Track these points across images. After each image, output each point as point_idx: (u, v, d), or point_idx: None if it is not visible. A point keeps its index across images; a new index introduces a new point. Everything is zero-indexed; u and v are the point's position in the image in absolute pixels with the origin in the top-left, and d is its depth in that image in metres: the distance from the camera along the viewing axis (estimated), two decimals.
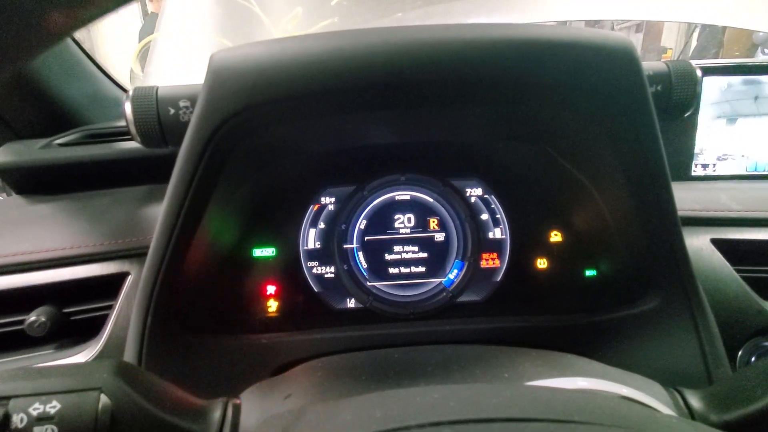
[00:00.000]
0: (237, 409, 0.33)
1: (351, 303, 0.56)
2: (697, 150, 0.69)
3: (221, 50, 0.36)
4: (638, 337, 0.45)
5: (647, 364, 0.42)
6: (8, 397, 0.26)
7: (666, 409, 0.30)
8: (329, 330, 0.49)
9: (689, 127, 0.67)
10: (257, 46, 0.36)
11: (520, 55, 0.35)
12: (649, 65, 0.46)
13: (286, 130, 0.43)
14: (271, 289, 0.56)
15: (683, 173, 0.69)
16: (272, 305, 0.56)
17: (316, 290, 0.56)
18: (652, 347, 0.44)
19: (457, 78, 0.36)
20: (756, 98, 0.68)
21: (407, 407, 0.21)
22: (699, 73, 0.47)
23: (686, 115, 0.48)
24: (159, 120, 0.43)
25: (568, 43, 0.35)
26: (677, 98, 0.46)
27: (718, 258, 0.55)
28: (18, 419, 0.25)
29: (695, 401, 0.32)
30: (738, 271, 0.55)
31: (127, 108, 0.44)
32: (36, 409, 0.26)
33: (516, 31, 0.36)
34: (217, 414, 0.32)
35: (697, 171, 0.70)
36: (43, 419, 0.26)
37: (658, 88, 0.46)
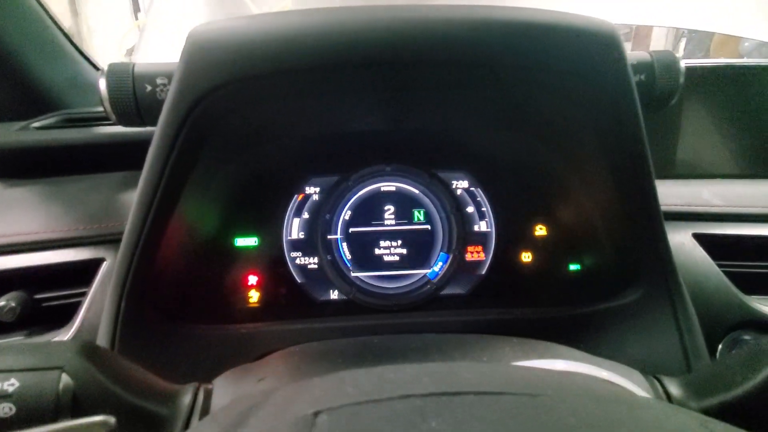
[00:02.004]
0: (208, 394, 0.32)
1: (334, 294, 0.55)
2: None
3: (200, 25, 0.35)
4: (620, 329, 0.45)
5: (628, 355, 0.42)
6: None
7: (644, 394, 0.29)
8: (311, 321, 0.48)
9: (673, 125, 0.68)
10: (238, 21, 0.35)
11: (504, 36, 0.35)
12: (633, 55, 0.46)
13: (268, 111, 0.42)
14: (252, 279, 0.55)
15: (667, 171, 0.69)
16: (254, 296, 0.55)
17: (298, 281, 0.55)
18: (633, 339, 0.45)
19: (443, 58, 0.35)
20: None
21: (380, 383, 0.20)
22: (682, 64, 0.47)
23: (669, 105, 0.48)
24: (135, 97, 0.42)
25: (552, 25, 0.35)
26: (660, 88, 0.46)
27: (699, 252, 0.56)
28: None
29: (674, 388, 0.31)
30: (719, 265, 0.55)
31: (102, 84, 0.42)
32: None
33: (500, 13, 0.35)
34: (187, 398, 0.31)
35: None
36: (0, 397, 0.25)
37: (642, 77, 0.46)
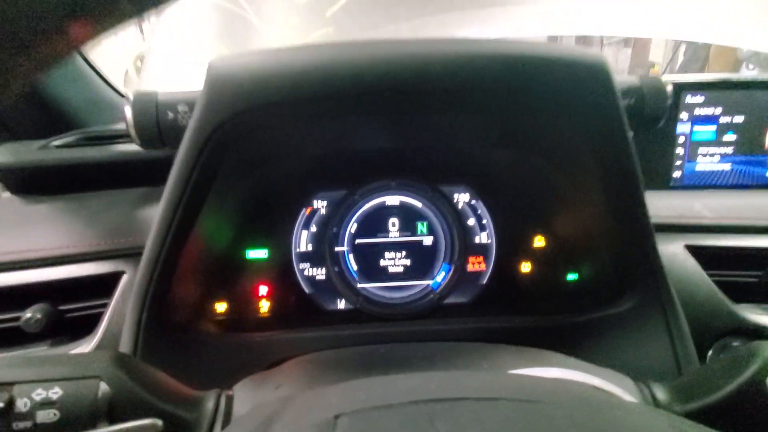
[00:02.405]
0: (230, 400, 0.34)
1: (341, 304, 0.58)
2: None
3: (219, 58, 0.38)
4: (615, 336, 0.48)
5: (622, 361, 0.44)
6: (13, 383, 0.27)
7: (631, 399, 0.32)
8: (320, 329, 0.50)
9: (668, 138, 0.70)
10: (254, 55, 0.38)
11: (501, 69, 0.38)
12: (623, 80, 0.49)
13: (281, 134, 0.45)
14: (263, 289, 0.57)
15: (662, 182, 0.72)
16: (264, 306, 0.57)
17: (307, 291, 0.57)
18: (627, 346, 0.47)
19: (443, 87, 0.38)
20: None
21: (391, 389, 0.23)
22: (669, 88, 0.50)
23: (659, 125, 0.51)
24: (158, 123, 0.45)
25: (547, 58, 0.38)
26: (649, 110, 0.49)
27: (691, 263, 0.58)
28: (22, 404, 0.27)
29: (660, 393, 0.34)
30: (710, 275, 0.57)
31: (128, 111, 0.45)
32: (39, 394, 0.27)
33: (499, 46, 0.38)
34: (210, 404, 0.33)
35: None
36: (45, 404, 0.27)
37: (631, 101, 0.49)
